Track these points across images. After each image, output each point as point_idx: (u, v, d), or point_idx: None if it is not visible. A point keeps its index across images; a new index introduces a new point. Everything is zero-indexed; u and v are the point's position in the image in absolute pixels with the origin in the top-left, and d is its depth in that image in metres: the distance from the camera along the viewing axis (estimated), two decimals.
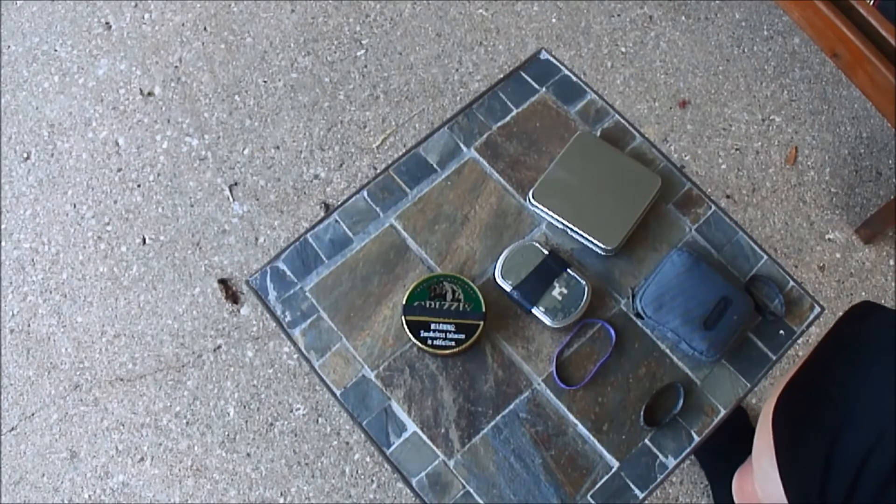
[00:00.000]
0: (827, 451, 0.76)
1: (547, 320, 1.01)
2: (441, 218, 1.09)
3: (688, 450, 0.97)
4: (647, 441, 0.98)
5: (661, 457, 0.97)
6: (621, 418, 0.99)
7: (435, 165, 1.12)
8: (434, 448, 0.98)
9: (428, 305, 1.01)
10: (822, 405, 0.80)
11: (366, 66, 1.77)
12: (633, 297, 1.03)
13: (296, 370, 1.50)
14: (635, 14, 1.84)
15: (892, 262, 1.60)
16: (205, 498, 1.42)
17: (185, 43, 1.80)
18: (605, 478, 0.96)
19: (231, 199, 1.64)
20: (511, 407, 0.99)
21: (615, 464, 0.97)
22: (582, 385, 1.00)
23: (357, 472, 1.43)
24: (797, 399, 0.84)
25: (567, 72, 1.19)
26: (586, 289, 1.02)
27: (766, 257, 1.07)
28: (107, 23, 1.82)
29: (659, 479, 0.96)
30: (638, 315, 1.02)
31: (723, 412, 0.99)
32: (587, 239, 1.05)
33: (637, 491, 0.96)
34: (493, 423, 0.99)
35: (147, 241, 1.61)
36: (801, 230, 1.62)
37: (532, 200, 1.07)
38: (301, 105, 1.73)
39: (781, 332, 1.03)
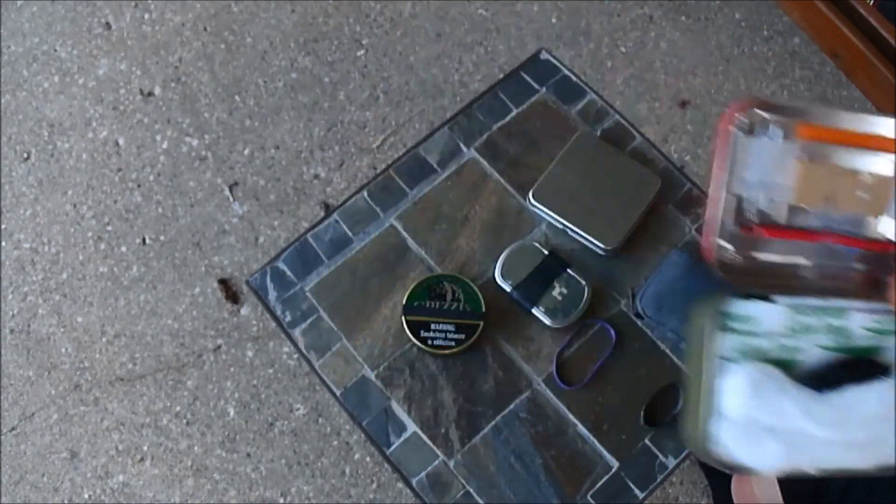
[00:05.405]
0: None
1: (547, 320, 1.01)
2: (441, 218, 1.09)
3: (688, 450, 0.97)
4: (647, 441, 0.98)
5: (661, 457, 0.97)
6: (621, 418, 0.99)
7: (435, 165, 1.12)
8: (434, 448, 0.98)
9: (428, 305, 1.01)
10: None
11: (366, 66, 1.76)
12: (633, 297, 1.03)
13: (296, 370, 1.50)
14: (635, 14, 1.84)
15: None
16: (205, 498, 1.42)
17: (185, 43, 1.80)
18: (605, 478, 0.96)
19: (231, 199, 1.64)
20: (511, 407, 0.99)
21: (615, 464, 0.97)
22: (582, 385, 1.00)
23: (357, 472, 1.43)
24: None
25: (567, 72, 1.19)
26: (586, 289, 1.02)
27: None
28: (107, 23, 1.82)
29: (659, 479, 0.96)
30: (638, 315, 1.02)
31: None
32: (587, 239, 1.05)
33: (637, 491, 0.96)
34: (493, 423, 0.99)
35: (147, 241, 1.61)
36: None
37: (532, 200, 1.07)
38: (301, 105, 1.73)
39: None
